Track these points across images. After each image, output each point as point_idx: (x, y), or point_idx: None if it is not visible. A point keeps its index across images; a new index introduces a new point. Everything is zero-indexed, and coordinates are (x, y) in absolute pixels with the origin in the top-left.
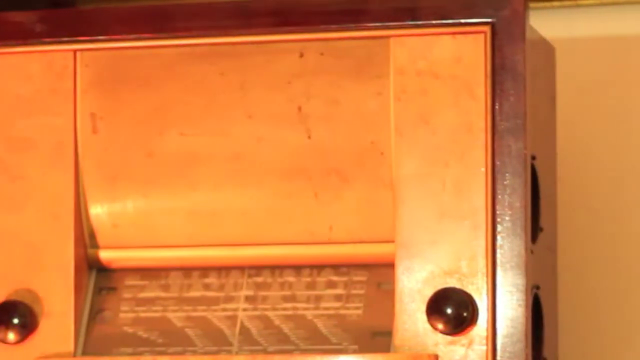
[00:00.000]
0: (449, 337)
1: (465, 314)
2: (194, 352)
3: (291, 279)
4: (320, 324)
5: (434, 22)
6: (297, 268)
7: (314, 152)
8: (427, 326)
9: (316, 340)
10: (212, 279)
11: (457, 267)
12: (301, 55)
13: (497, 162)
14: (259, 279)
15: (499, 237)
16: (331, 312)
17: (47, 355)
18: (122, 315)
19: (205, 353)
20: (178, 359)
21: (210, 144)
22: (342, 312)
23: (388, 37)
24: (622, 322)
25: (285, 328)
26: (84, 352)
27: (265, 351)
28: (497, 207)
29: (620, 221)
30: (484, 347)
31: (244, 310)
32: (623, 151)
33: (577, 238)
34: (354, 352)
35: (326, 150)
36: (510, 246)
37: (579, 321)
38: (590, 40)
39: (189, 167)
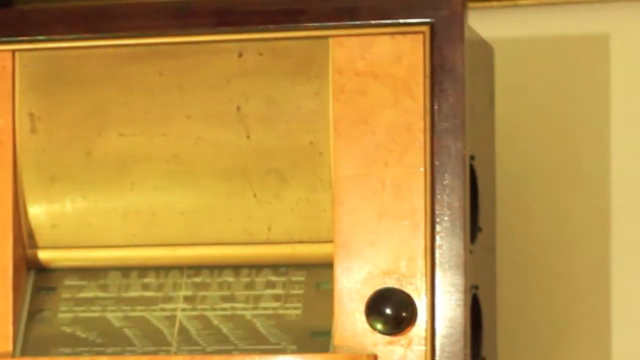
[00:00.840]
0: (387, 338)
1: (404, 314)
2: (133, 352)
3: (230, 279)
4: (259, 324)
5: (372, 22)
6: (236, 268)
7: (253, 152)
8: (366, 326)
9: (255, 340)
10: (150, 279)
11: (396, 268)
12: (240, 56)
13: (436, 162)
14: (198, 279)
15: (437, 237)
16: (270, 312)
17: None
18: (60, 315)
19: (144, 353)
20: (117, 359)
21: (149, 144)
22: (281, 312)
23: (327, 37)
24: (560, 321)
25: (224, 328)
26: (23, 353)
27: (204, 351)
28: (436, 207)
29: (558, 221)
30: (423, 347)
31: (183, 310)
32: (561, 151)
33: (515, 238)
34: (293, 352)
35: (265, 151)
36: (449, 246)
37: (517, 321)
38: (529, 41)
39: (128, 167)
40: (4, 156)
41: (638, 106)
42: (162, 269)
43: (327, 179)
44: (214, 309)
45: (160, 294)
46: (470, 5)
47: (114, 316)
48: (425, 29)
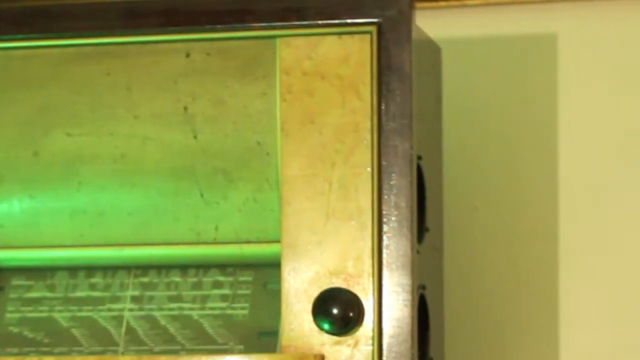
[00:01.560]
0: (335, 338)
1: (351, 314)
2: (80, 353)
3: (177, 279)
4: (206, 324)
5: (320, 22)
6: (183, 268)
7: (200, 152)
8: (313, 326)
9: (202, 340)
10: (98, 279)
11: (343, 268)
12: (187, 56)
13: (384, 162)
14: (145, 279)
15: (385, 237)
16: (217, 312)
17: None
18: (8, 315)
19: (91, 353)
20: (64, 359)
21: (96, 144)
22: (228, 312)
23: (274, 37)
24: (507, 321)
25: (172, 328)
26: None
27: (151, 351)
28: (383, 207)
29: (505, 221)
30: (370, 347)
31: (130, 310)
32: (508, 151)
33: (462, 238)
34: (240, 352)
35: (212, 150)
36: (396, 246)
37: (464, 321)
38: (476, 40)
39: (75, 167)
40: None
41: (585, 105)
42: (110, 269)
43: (274, 179)
44: (161, 309)
45: (107, 294)
46: (418, 5)
47: (61, 316)
48: (373, 29)
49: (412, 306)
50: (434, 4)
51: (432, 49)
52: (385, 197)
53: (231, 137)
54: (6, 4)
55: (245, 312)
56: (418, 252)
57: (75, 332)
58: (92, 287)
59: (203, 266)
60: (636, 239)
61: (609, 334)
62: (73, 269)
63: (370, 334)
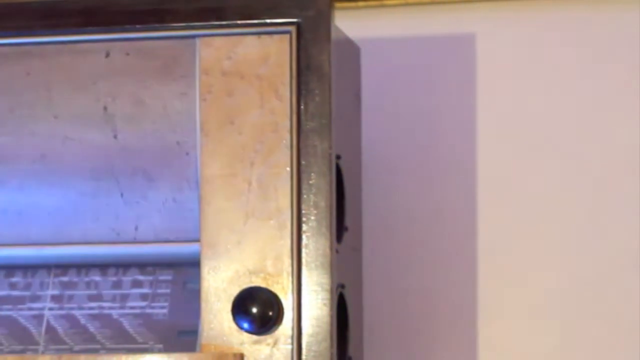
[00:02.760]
0: (254, 337)
1: (270, 313)
2: (0, 352)
3: (97, 278)
4: (126, 323)
5: (239, 22)
6: (103, 267)
7: (120, 151)
8: (233, 325)
9: (122, 339)
10: (17, 278)
11: (263, 267)
12: (107, 55)
13: (303, 162)
14: (65, 278)
15: (304, 237)
16: (137, 311)
17: None
18: None
19: (11, 352)
20: None
21: (16, 144)
22: (148, 311)
23: (194, 37)
24: (426, 320)
25: (91, 327)
26: None
27: (71, 350)
28: (303, 206)
29: (424, 220)
30: (290, 346)
31: (50, 309)
32: (428, 150)
33: (381, 237)
34: (160, 351)
35: (132, 150)
36: (316, 245)
37: (383, 320)
38: (395, 40)
39: None
40: None
41: (502, 104)
42: (30, 268)
43: (193, 178)
44: (81, 308)
45: (27, 293)
46: (337, 5)
47: None
48: (292, 28)
49: (331, 305)
50: (352, 4)
51: (351, 49)
52: (305, 196)
53: (151, 137)
54: None
55: (165, 311)
56: (337, 251)
57: None
58: (12, 286)
59: (123, 265)
60: (551, 237)
61: (524, 329)
62: None
63: (290, 332)
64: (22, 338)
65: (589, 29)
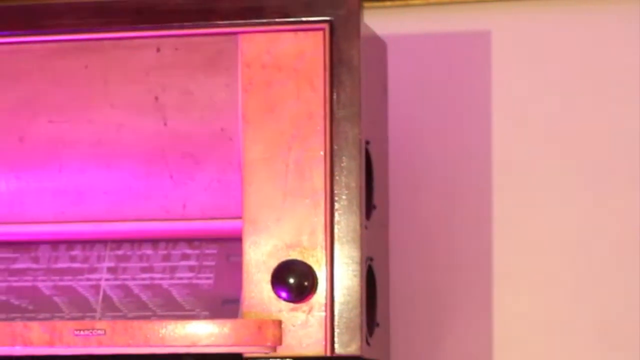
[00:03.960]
0: (291, 305)
1: (305, 284)
2: (61, 318)
3: (149, 251)
4: (175, 292)
5: (277, 20)
6: (154, 242)
7: (170, 137)
8: (272, 294)
9: (171, 307)
10: (77, 252)
11: (299, 241)
12: (158, 50)
13: (335, 147)
14: (120, 252)
15: (336, 214)
16: (185, 281)
17: None
18: None
19: (72, 319)
20: (46, 324)
21: (76, 130)
22: (195, 281)
23: (237, 33)
24: (446, 288)
25: (144, 296)
26: None
27: (125, 317)
28: (335, 187)
29: (444, 199)
30: (323, 314)
31: (107, 280)
32: (448, 136)
33: (406, 215)
34: (205, 318)
35: (181, 136)
36: (347, 222)
37: (408, 289)
38: (418, 37)
39: (57, 150)
40: None
41: (515, 93)
42: (88, 243)
43: (236, 161)
44: (134, 279)
45: (86, 265)
46: (366, 5)
47: (44, 285)
48: (325, 26)
49: (361, 276)
50: (380, 3)
51: (378, 45)
52: (337, 178)
53: (198, 124)
54: None
55: (210, 281)
56: (366, 227)
57: (57, 299)
58: (72, 259)
59: (172, 240)
60: (561, 215)
61: (535, 297)
62: (55, 243)
63: (323, 301)
64: (81, 306)
65: (601, 27)
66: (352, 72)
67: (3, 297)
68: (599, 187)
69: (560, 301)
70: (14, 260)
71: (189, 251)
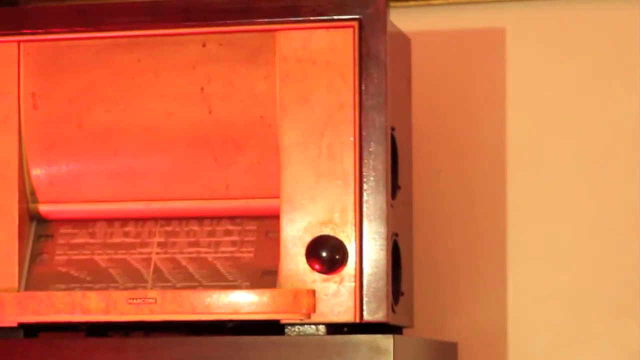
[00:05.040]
0: (324, 276)
1: (337, 257)
2: (116, 288)
3: (195, 228)
4: (219, 265)
5: (311, 18)
6: (200, 219)
7: (214, 125)
8: (306, 267)
9: (216, 278)
10: (130, 228)
11: (331, 218)
12: (204, 45)
13: (364, 133)
14: (169, 228)
15: (365, 194)
16: (228, 255)
17: None
18: (57, 258)
19: (125, 289)
20: (102, 294)
21: (129, 118)
22: (237, 255)
23: (274, 30)
24: (464, 261)
25: (191, 268)
26: (26, 288)
27: (174, 287)
28: (364, 169)
29: (462, 180)
30: (353, 284)
31: (157, 253)
32: (465, 124)
33: (428, 194)
34: (246, 288)
35: (224, 123)
36: (374, 201)
37: (430, 262)
38: (439, 33)
39: (112, 136)
40: (11, 128)
41: (528, 86)
42: (140, 220)
43: (274, 146)
44: (182, 253)
45: (138, 240)
46: (392, 4)
47: (100, 258)
48: (355, 23)
49: (387, 250)
50: (404, 2)
51: (403, 40)
52: (365, 161)
53: (239, 113)
54: (55, 3)
55: (251, 255)
56: (392, 206)
57: (112, 271)
58: (126, 234)
59: (216, 218)
60: (571, 193)
61: (546, 268)
62: (110, 220)
63: (353, 272)
64: (134, 277)
65: (614, 23)
66: (379, 65)
67: (63, 269)
68: (609, 171)
69: (569, 272)
70: (74, 235)
71: (231, 227)
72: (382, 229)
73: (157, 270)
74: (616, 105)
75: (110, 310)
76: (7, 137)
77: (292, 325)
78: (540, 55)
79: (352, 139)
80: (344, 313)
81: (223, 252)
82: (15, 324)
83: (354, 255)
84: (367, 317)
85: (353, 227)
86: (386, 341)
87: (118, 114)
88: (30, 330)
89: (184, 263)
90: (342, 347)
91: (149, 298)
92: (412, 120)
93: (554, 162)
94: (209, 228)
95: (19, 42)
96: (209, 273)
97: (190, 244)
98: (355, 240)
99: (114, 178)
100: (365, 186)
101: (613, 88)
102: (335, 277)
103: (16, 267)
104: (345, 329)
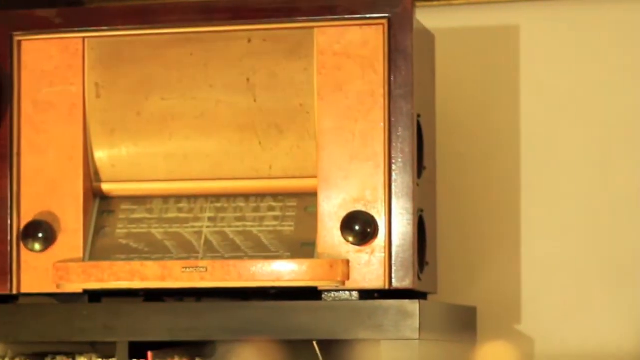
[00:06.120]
0: (357, 247)
1: (368, 230)
2: (171, 258)
3: (242, 204)
4: (263, 237)
5: (346, 16)
6: (246, 196)
7: (258, 111)
8: (341, 239)
9: (260, 249)
10: (184, 204)
11: (363, 196)
12: (249, 41)
13: (392, 119)
14: (218, 204)
15: (393, 174)
16: (271, 228)
17: (63, 261)
18: (118, 231)
19: (179, 259)
20: (159, 263)
21: (183, 106)
22: (279, 228)
23: (313, 27)
24: (483, 235)
25: (238, 240)
26: (90, 258)
27: (223, 257)
28: (392, 152)
29: (480, 162)
30: (383, 254)
31: (207, 227)
32: (483, 111)
33: (450, 174)
34: (287, 258)
35: (267, 110)
36: (402, 180)
37: (451, 235)
38: (460, 30)
39: (167, 122)
40: (76, 115)
41: (540, 77)
42: (193, 197)
43: (312, 131)
44: (230, 227)
45: (191, 215)
46: (418, 4)
47: (157, 232)
48: (385, 21)
49: (414, 224)
50: (429, 2)
51: (428, 36)
52: (394, 144)
53: (281, 101)
54: (116, 3)
55: (292, 228)
56: (418, 184)
57: (167, 243)
58: (180, 210)
59: (260, 195)
60: (581, 176)
61: (557, 243)
62: (166, 197)
63: (383, 244)
64: (187, 248)
65: (626, 21)
66: (407, 58)
67: (124, 241)
68: (612, 157)
69: (576, 244)
70: (133, 211)
71: (274, 204)
72: (409, 205)
73: (207, 242)
74: (622, 98)
75: (165, 278)
76: (74, 124)
77: (328, 291)
78: (551, 50)
79: (382, 124)
80: (375, 280)
81: (266, 226)
82: (81, 291)
83: (383, 228)
84: (396, 284)
85: (383, 204)
86: (412, 305)
87: (172, 102)
88: (94, 296)
89: (231, 236)
90: (373, 311)
91: (200, 267)
92: (436, 107)
93: (564, 147)
94: (254, 204)
95: (83, 38)
96: (254, 245)
97: (237, 219)
98: (385, 215)
99: (169, 159)
100: (393, 167)
101: (621, 82)
102: (367, 248)
103: (81, 239)
104: (375, 295)
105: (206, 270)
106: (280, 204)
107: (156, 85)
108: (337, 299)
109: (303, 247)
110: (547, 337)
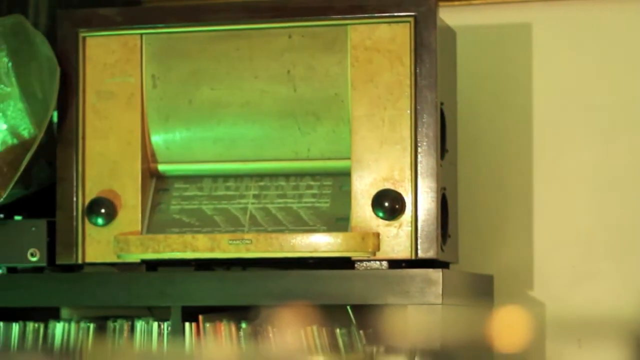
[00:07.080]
0: (386, 222)
1: (397, 206)
2: (219, 232)
3: (283, 183)
4: (302, 212)
5: (376, 15)
6: (287, 176)
7: (298, 100)
8: (372, 214)
9: (299, 223)
10: (231, 183)
11: (392, 176)
12: (289, 37)
13: (418, 107)
14: (262, 183)
15: (419, 156)
16: (309, 205)
17: (122, 234)
18: (172, 207)
19: (227, 232)
20: (208, 236)
21: (230, 95)
22: (317, 205)
23: (346, 24)
24: (499, 209)
25: (279, 215)
26: (147, 232)
27: (266, 231)
28: (418, 136)
29: (498, 146)
30: (409, 228)
31: (252, 204)
32: (498, 101)
33: (470, 156)
34: (324, 231)
35: (306, 100)
36: (427, 162)
37: (472, 211)
38: (479, 27)
39: (216, 110)
40: (135, 104)
41: (551, 70)
42: (239, 177)
43: (346, 118)
44: (272, 203)
45: (237, 193)
46: (441, 4)
47: (207, 208)
48: (411, 19)
49: (437, 201)
50: (451, 2)
51: (450, 33)
52: (419, 129)
53: (318, 91)
54: (172, 2)
55: (328, 205)
56: (441, 165)
57: (216, 218)
58: (227, 188)
59: (300, 174)
60: (589, 157)
61: (566, 217)
62: (215, 177)
63: (410, 219)
64: (234, 223)
65: (630, 23)
66: (431, 53)
67: (177, 216)
68: (617, 141)
69: (584, 219)
70: (185, 189)
71: (312, 183)
72: (433, 184)
73: (252, 217)
74: (629, 91)
75: (214, 249)
76: (132, 112)
77: (360, 261)
78: (561, 46)
79: (409, 111)
80: (402, 251)
81: (305, 203)
82: (139, 261)
83: (410, 205)
84: (421, 254)
85: (410, 183)
86: (436, 274)
87: (221, 91)
88: (151, 265)
89: (273, 211)
90: (401, 279)
91: (246, 239)
92: (457, 96)
93: (573, 132)
94: (294, 183)
95: (141, 34)
96: (294, 219)
97: (279, 196)
98: (411, 193)
99: (218, 143)
100: (419, 149)
101: (627, 77)
102: (395, 222)
103: (139, 214)
104: (403, 264)
105: (251, 242)
106: (318, 183)
107: (206, 77)
108: (368, 268)
109: (338, 221)
110: (557, 302)
